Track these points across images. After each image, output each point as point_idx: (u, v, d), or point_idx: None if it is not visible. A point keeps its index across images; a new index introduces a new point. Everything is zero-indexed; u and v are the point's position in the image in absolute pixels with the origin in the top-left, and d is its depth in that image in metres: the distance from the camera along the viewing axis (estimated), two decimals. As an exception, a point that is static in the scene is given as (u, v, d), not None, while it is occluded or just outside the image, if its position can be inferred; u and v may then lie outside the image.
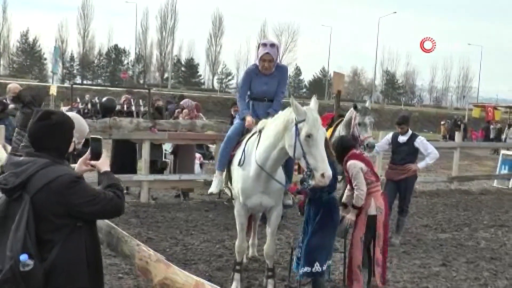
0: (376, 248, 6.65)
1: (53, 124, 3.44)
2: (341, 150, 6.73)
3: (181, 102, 13.64)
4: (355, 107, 9.18)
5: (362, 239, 6.59)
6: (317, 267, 5.89)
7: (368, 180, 6.58)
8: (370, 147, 8.79)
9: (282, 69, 6.98)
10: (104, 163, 3.64)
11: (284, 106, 6.31)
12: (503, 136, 33.60)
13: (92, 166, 3.64)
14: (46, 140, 3.43)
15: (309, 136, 5.22)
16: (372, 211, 6.58)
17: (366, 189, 6.51)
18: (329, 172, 5.17)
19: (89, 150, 3.65)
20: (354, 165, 6.57)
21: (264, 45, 6.70)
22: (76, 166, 3.68)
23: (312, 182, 5.25)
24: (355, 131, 9.05)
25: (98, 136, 3.70)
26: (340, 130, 9.57)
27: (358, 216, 6.60)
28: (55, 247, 3.29)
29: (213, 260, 7.67)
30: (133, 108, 13.85)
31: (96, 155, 3.63)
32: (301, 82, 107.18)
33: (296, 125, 5.31)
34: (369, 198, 6.58)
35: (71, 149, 3.61)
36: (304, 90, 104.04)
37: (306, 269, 5.92)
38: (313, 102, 5.55)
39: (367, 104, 9.35)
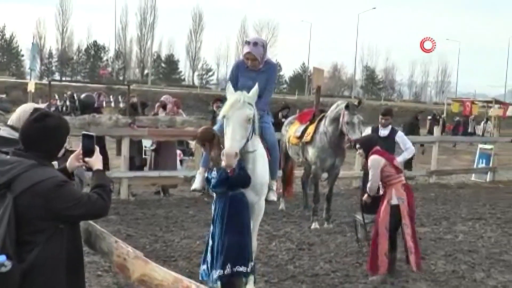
0: (406, 237, 7.14)
1: (48, 127, 3.41)
2: (368, 147, 7.35)
3: (162, 98, 13.57)
4: (347, 106, 9.12)
5: (387, 227, 7.06)
6: (228, 269, 5.77)
7: (387, 173, 7.15)
8: (357, 148, 8.83)
9: (271, 67, 6.88)
10: (96, 161, 3.61)
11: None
12: (480, 130, 34.02)
13: (84, 162, 3.61)
14: (38, 142, 3.39)
15: (224, 116, 5.58)
16: (394, 201, 7.09)
17: (378, 180, 7.19)
18: (227, 150, 5.36)
19: (80, 146, 3.61)
20: (374, 159, 7.22)
21: (248, 43, 6.64)
22: (68, 162, 3.64)
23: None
24: (343, 129, 9.06)
25: (91, 133, 3.68)
26: (326, 126, 9.56)
27: (381, 206, 7.14)
28: (35, 248, 3.27)
29: (194, 257, 7.66)
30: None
31: (89, 152, 3.60)
32: (281, 78, 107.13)
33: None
34: (389, 189, 7.14)
35: (60, 154, 3.58)
36: (285, 85, 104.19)
37: (219, 272, 5.77)
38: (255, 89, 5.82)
39: (356, 102, 9.33)
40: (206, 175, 6.07)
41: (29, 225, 3.25)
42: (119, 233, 8.22)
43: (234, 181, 5.78)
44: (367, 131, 9.42)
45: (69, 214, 3.31)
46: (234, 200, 5.84)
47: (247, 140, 5.68)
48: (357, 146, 7.74)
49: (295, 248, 8.38)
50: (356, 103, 9.34)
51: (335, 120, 9.35)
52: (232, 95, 5.77)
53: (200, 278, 6.04)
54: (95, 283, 6.37)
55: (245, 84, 6.30)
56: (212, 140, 5.94)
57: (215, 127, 6.94)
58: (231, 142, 5.46)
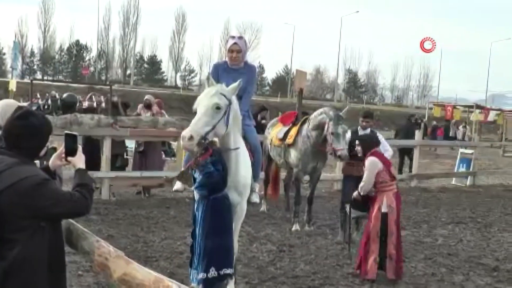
0: (389, 245, 7.16)
1: (30, 125, 3.40)
2: (368, 147, 7.44)
3: (146, 97, 13.50)
4: (328, 115, 9.09)
5: (378, 234, 7.16)
6: (212, 272, 5.64)
7: (382, 179, 7.21)
8: (343, 159, 8.88)
9: (251, 68, 6.99)
10: (79, 160, 3.60)
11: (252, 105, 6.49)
12: (460, 134, 34.29)
13: (67, 161, 3.61)
14: (21, 140, 3.38)
15: (196, 109, 5.61)
16: (384, 209, 7.17)
17: (372, 183, 7.22)
18: (183, 133, 5.36)
19: (63, 145, 3.61)
20: (372, 161, 7.27)
21: (233, 37, 6.77)
22: (51, 160, 3.64)
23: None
24: (328, 138, 9.04)
25: (74, 132, 3.67)
26: (308, 131, 9.54)
27: (372, 213, 7.23)
28: (16, 246, 3.25)
29: (174, 257, 7.66)
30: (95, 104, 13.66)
31: (71, 151, 3.59)
32: (264, 80, 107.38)
33: None
34: (381, 195, 7.21)
35: (42, 152, 3.57)
36: (267, 87, 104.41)
37: (202, 275, 5.65)
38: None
39: (343, 112, 9.30)
40: (193, 173, 6.01)
41: (11, 223, 3.23)
42: (100, 233, 8.17)
43: (205, 179, 5.62)
44: (348, 136, 9.41)
45: (51, 212, 3.31)
46: (216, 203, 5.75)
47: (213, 128, 5.59)
48: (357, 143, 7.78)
49: (276, 249, 8.40)
50: (342, 112, 9.24)
51: (319, 126, 9.33)
52: (211, 86, 5.78)
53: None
54: (76, 283, 6.34)
55: (227, 85, 6.29)
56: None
57: None
58: (190, 126, 5.43)
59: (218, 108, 5.58)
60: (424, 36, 57.84)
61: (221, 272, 5.69)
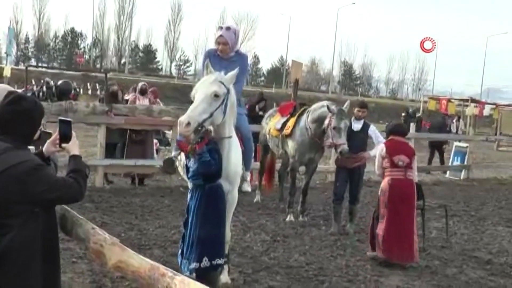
0: (379, 225, 7.70)
1: (22, 110, 3.39)
2: (390, 132, 8.05)
3: (139, 85, 13.41)
4: (329, 109, 8.98)
5: (375, 214, 7.90)
6: (205, 262, 5.67)
7: (384, 164, 7.81)
8: (343, 154, 8.82)
9: (243, 57, 6.90)
10: (73, 146, 3.60)
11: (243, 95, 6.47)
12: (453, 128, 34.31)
13: (61, 148, 3.60)
14: (13, 125, 3.37)
15: (194, 96, 5.59)
16: (380, 192, 7.84)
17: (378, 165, 7.94)
18: (181, 118, 5.33)
19: (57, 132, 3.60)
20: (381, 147, 8.00)
21: (220, 28, 6.66)
22: (45, 147, 3.63)
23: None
24: (329, 132, 8.96)
25: (68, 118, 3.66)
26: (308, 122, 9.52)
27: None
28: (10, 232, 3.24)
29: (168, 246, 7.66)
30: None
31: (66, 137, 3.59)
32: (259, 71, 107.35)
33: None
34: (383, 180, 7.83)
35: (36, 136, 3.55)
36: (262, 78, 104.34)
37: (194, 265, 5.66)
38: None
39: (345, 106, 9.25)
40: (185, 162, 6.00)
41: (4, 208, 3.22)
42: (94, 220, 8.12)
43: (202, 168, 5.61)
44: None
45: (44, 198, 3.30)
46: (211, 192, 5.76)
47: (210, 116, 5.58)
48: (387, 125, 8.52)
49: (270, 240, 8.40)
50: (345, 107, 9.20)
51: (319, 120, 9.29)
52: (209, 74, 5.78)
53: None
54: (70, 270, 6.32)
55: (218, 72, 6.23)
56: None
57: None
58: (189, 112, 5.40)
59: (216, 96, 5.57)
60: (424, 36, 57.95)
61: (214, 262, 5.72)
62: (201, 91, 5.57)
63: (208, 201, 5.73)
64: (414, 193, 7.82)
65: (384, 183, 7.77)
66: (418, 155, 9.10)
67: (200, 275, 5.65)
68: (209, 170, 5.61)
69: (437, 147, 18.36)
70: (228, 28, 6.64)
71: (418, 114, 37.64)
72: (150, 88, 13.99)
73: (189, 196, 5.98)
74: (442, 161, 18.31)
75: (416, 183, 8.03)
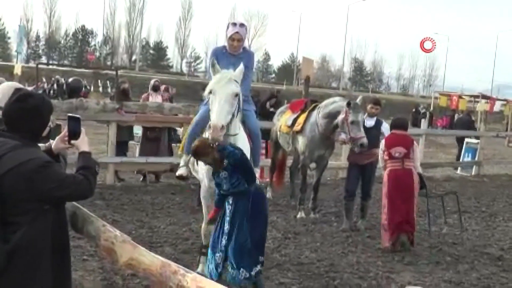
0: (382, 215, 8.27)
1: (30, 107, 3.38)
2: (393, 126, 8.54)
3: (151, 82, 13.40)
4: (348, 104, 8.93)
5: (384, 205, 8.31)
6: (258, 268, 5.67)
7: (385, 157, 8.30)
8: (364, 146, 8.74)
9: (249, 54, 6.98)
10: (82, 143, 3.59)
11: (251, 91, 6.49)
12: None
13: (71, 144, 3.59)
14: (21, 123, 3.37)
15: (210, 92, 5.62)
16: (382, 184, 8.41)
17: (381, 159, 8.42)
18: (214, 122, 5.32)
19: (66, 128, 3.59)
20: (383, 141, 8.47)
21: (234, 24, 6.69)
22: (54, 143, 3.63)
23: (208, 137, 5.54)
24: (346, 128, 8.88)
25: (77, 115, 3.65)
26: (319, 118, 9.48)
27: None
28: (20, 229, 3.24)
29: (179, 243, 7.67)
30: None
31: (75, 134, 3.58)
32: (270, 67, 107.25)
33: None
34: (385, 172, 8.32)
35: (45, 133, 3.55)
36: (273, 75, 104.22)
37: (259, 267, 5.67)
38: None
39: (358, 100, 9.22)
40: (213, 180, 5.92)
41: (14, 206, 3.23)
42: (105, 218, 8.14)
43: (240, 163, 5.58)
44: None
45: (54, 195, 3.30)
46: (258, 195, 5.74)
47: (233, 116, 5.65)
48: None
49: (281, 236, 8.39)
50: (358, 101, 9.17)
51: (330, 115, 9.26)
52: (218, 72, 5.81)
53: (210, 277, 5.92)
54: (80, 268, 6.35)
55: (226, 69, 6.25)
56: (209, 153, 5.61)
57: (202, 108, 6.92)
58: (218, 115, 5.44)
59: (236, 95, 5.65)
60: (434, 32, 57.67)
61: (254, 271, 5.64)
62: (221, 91, 5.58)
63: (254, 206, 5.64)
64: (413, 182, 8.19)
65: (384, 175, 8.34)
66: (426, 151, 9.19)
67: (255, 283, 5.69)
68: (241, 159, 5.59)
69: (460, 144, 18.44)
70: (242, 25, 6.73)
71: (423, 111, 37.61)
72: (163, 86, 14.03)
73: (226, 207, 5.76)
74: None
75: (418, 173, 8.40)
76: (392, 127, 8.64)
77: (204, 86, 14.51)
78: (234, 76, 5.73)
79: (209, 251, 5.95)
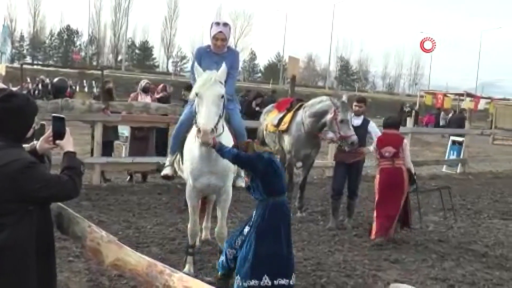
0: (374, 210, 8.65)
1: (13, 107, 3.36)
2: (385, 125, 8.90)
3: (143, 83, 13.31)
4: (333, 102, 8.98)
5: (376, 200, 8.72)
6: (265, 281, 5.39)
7: (376, 156, 8.75)
8: (355, 144, 8.78)
9: (234, 53, 7.00)
10: (67, 143, 3.57)
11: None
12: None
13: (55, 145, 3.57)
14: (5, 123, 3.35)
15: (197, 94, 5.63)
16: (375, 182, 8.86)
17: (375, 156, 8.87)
18: (204, 126, 5.33)
19: (50, 129, 3.57)
20: (375, 141, 8.83)
21: (217, 24, 6.70)
22: (38, 144, 3.60)
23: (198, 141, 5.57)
24: (335, 127, 8.91)
25: (61, 115, 3.63)
26: (304, 117, 9.51)
27: None
28: (4, 230, 3.23)
29: (166, 243, 7.66)
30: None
31: (59, 134, 3.56)
32: (256, 67, 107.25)
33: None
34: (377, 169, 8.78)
35: (29, 134, 3.53)
36: (259, 74, 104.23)
37: (254, 282, 5.38)
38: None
39: (344, 98, 9.25)
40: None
41: None
42: (91, 219, 8.07)
43: (243, 158, 5.57)
44: None
45: (38, 196, 3.29)
46: (274, 208, 5.53)
47: (220, 117, 5.68)
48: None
49: (268, 236, 8.39)
50: (345, 99, 9.20)
51: (317, 114, 9.29)
52: (202, 74, 5.81)
53: (218, 267, 6.01)
54: (66, 269, 6.32)
55: (209, 68, 6.18)
56: (248, 149, 5.66)
57: (187, 108, 6.94)
58: (207, 119, 5.45)
59: (222, 97, 5.68)
60: (419, 30, 58.08)
61: (276, 282, 5.40)
62: (207, 94, 5.59)
63: (270, 217, 5.49)
64: (403, 179, 8.52)
65: (376, 173, 8.83)
66: (412, 149, 9.33)
67: None
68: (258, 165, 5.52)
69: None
70: (225, 24, 6.73)
71: (407, 109, 37.93)
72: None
73: (254, 212, 5.75)
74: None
75: (408, 169, 8.65)
76: (384, 126, 8.97)
77: (188, 85, 14.57)
78: (218, 77, 5.73)
79: (225, 243, 6.02)
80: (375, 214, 8.57)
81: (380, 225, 8.41)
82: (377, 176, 8.76)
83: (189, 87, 13.27)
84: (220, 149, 5.65)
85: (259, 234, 5.46)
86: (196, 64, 6.07)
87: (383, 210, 8.45)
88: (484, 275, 7.26)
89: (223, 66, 5.90)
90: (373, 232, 8.45)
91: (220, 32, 6.60)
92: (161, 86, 14.21)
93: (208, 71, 5.87)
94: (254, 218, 5.63)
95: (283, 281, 5.42)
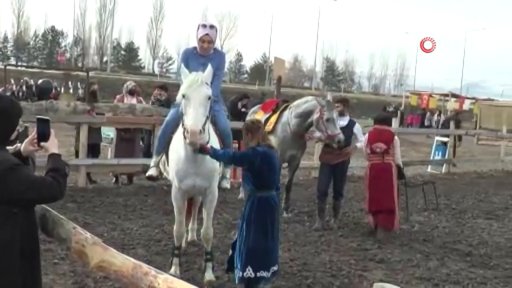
0: (365, 203, 9.10)
1: None
2: (376, 121, 9.26)
3: (129, 86, 13.26)
4: (318, 102, 9.07)
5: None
6: (248, 272, 5.69)
7: (366, 151, 9.01)
8: (341, 143, 8.84)
9: (220, 54, 7.02)
10: (52, 145, 3.54)
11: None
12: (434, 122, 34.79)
13: (40, 147, 3.55)
14: None
15: (183, 96, 5.65)
16: (364, 175, 9.27)
17: (364, 150, 9.10)
18: (192, 128, 5.38)
19: (35, 131, 3.54)
20: (366, 136, 9.13)
21: (204, 26, 6.71)
22: (23, 146, 3.58)
23: (186, 142, 5.62)
24: (322, 126, 8.96)
25: (46, 117, 3.61)
26: (290, 117, 9.54)
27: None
28: (-13, 233, 3.20)
29: (152, 245, 7.65)
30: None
31: (44, 136, 3.53)
32: (242, 68, 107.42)
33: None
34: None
35: (13, 136, 3.49)
36: (245, 75, 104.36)
37: (239, 273, 5.72)
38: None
39: (329, 97, 9.32)
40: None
41: None
42: (76, 220, 8.09)
43: (240, 156, 5.92)
44: None
45: (23, 197, 3.27)
46: (261, 202, 5.76)
47: (207, 119, 5.70)
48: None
49: (254, 236, 8.40)
50: (330, 98, 9.29)
51: (303, 114, 9.33)
52: (188, 76, 5.83)
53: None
54: (51, 271, 6.29)
55: (196, 70, 6.18)
56: (256, 132, 5.87)
57: (172, 109, 6.95)
58: (194, 120, 5.48)
59: (209, 98, 5.70)
60: (404, 30, 58.40)
61: (259, 274, 5.69)
62: (194, 96, 5.62)
63: (257, 210, 5.73)
64: (392, 174, 8.92)
65: (367, 168, 9.11)
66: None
67: (246, 285, 5.75)
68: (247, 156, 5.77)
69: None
70: (212, 27, 6.75)
71: (391, 109, 38.22)
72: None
73: (244, 207, 5.99)
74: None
75: (397, 165, 9.11)
76: (376, 122, 9.30)
77: (174, 86, 14.52)
78: (204, 78, 5.76)
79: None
80: (368, 209, 8.97)
81: (374, 212, 8.87)
82: (367, 172, 9.02)
83: (161, 87, 13.42)
84: (215, 153, 5.79)
85: (248, 226, 5.73)
86: (183, 66, 6.09)
87: (379, 206, 8.81)
88: (468, 274, 7.32)
89: (209, 68, 5.92)
90: (368, 220, 9.08)
91: (207, 34, 6.61)
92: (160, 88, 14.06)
93: (194, 72, 5.88)
94: (244, 211, 5.87)
95: (264, 274, 5.71)
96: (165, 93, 13.13)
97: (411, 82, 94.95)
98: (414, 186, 10.92)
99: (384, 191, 8.81)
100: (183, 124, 5.73)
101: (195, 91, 5.64)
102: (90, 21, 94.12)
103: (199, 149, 5.68)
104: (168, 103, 12.18)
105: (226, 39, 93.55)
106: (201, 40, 6.64)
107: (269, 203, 5.79)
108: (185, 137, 5.65)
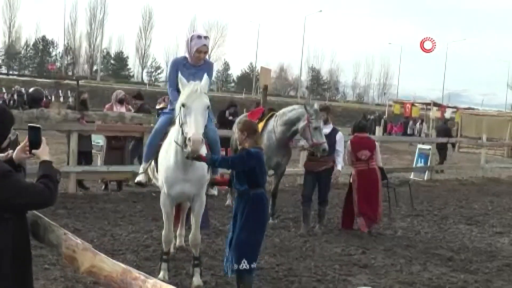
0: (355, 207, 9.55)
1: None
2: (353, 130, 10.05)
3: (118, 95, 13.36)
4: (307, 110, 9.18)
5: (347, 197, 9.88)
6: (244, 265, 5.95)
7: (350, 158, 9.69)
8: (326, 152, 9.02)
9: (209, 64, 7.13)
10: (43, 152, 3.57)
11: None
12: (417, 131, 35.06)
13: (31, 154, 3.58)
14: None
15: (183, 105, 5.77)
16: (352, 180, 9.73)
17: (346, 158, 9.75)
18: (195, 136, 5.51)
19: (26, 138, 3.58)
20: (348, 144, 9.69)
21: (199, 37, 6.83)
22: (15, 153, 3.61)
23: (185, 150, 5.73)
24: (308, 134, 9.09)
25: (37, 125, 3.64)
26: (276, 125, 9.68)
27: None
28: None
29: (141, 250, 7.74)
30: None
31: (35, 144, 3.56)
32: (229, 77, 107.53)
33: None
34: (353, 171, 9.67)
35: (5, 144, 3.55)
36: (233, 84, 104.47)
37: (234, 266, 5.98)
38: None
39: (316, 106, 9.45)
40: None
41: None
42: (66, 227, 8.11)
43: (237, 160, 6.05)
44: None
45: (14, 203, 3.30)
46: (255, 198, 6.02)
47: (205, 127, 5.84)
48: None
49: (240, 242, 8.52)
50: (316, 107, 9.42)
51: (289, 122, 9.47)
52: (186, 85, 5.95)
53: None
54: (42, 277, 6.34)
55: (187, 79, 6.22)
56: (253, 134, 6.12)
57: (161, 117, 7.11)
58: (197, 129, 5.59)
59: (208, 107, 5.87)
60: (388, 41, 58.56)
61: (252, 265, 6.02)
62: (195, 105, 5.74)
63: (252, 206, 5.99)
64: (378, 178, 9.62)
65: (353, 174, 9.65)
66: (382, 157, 9.76)
67: (240, 277, 6.06)
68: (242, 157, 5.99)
69: (439, 150, 19.34)
70: (206, 37, 6.94)
71: (371, 117, 38.58)
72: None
73: (234, 204, 6.30)
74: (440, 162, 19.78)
75: (380, 167, 9.81)
76: (356, 130, 10.00)
77: (136, 94, 14.56)
78: (202, 88, 5.89)
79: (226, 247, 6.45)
80: (357, 211, 9.47)
81: (363, 211, 9.44)
82: (355, 177, 9.58)
83: (135, 96, 13.61)
84: (212, 160, 6.06)
85: (243, 222, 5.98)
86: (179, 74, 6.16)
87: (367, 208, 9.45)
88: (450, 278, 7.47)
89: (205, 77, 6.05)
90: (363, 227, 9.46)
91: (204, 45, 6.79)
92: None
93: (192, 82, 5.99)
94: (237, 210, 6.13)
95: (253, 265, 6.06)
96: (140, 101, 13.30)
97: (394, 91, 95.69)
98: (391, 187, 11.63)
99: (372, 195, 9.51)
100: (183, 133, 5.81)
101: (195, 101, 5.76)
102: (81, 30, 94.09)
103: (195, 157, 5.82)
104: (140, 110, 12.45)
105: (214, 48, 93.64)
106: (198, 51, 6.76)
107: (261, 199, 6.12)
108: (185, 145, 5.71)
